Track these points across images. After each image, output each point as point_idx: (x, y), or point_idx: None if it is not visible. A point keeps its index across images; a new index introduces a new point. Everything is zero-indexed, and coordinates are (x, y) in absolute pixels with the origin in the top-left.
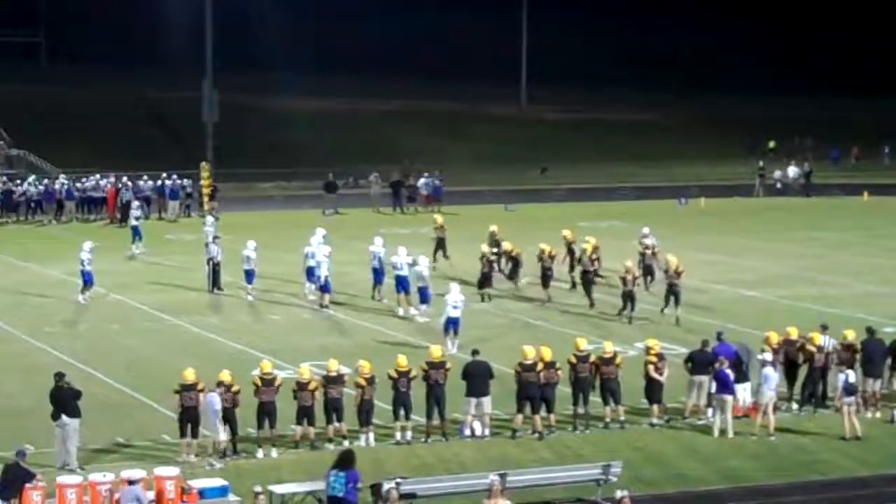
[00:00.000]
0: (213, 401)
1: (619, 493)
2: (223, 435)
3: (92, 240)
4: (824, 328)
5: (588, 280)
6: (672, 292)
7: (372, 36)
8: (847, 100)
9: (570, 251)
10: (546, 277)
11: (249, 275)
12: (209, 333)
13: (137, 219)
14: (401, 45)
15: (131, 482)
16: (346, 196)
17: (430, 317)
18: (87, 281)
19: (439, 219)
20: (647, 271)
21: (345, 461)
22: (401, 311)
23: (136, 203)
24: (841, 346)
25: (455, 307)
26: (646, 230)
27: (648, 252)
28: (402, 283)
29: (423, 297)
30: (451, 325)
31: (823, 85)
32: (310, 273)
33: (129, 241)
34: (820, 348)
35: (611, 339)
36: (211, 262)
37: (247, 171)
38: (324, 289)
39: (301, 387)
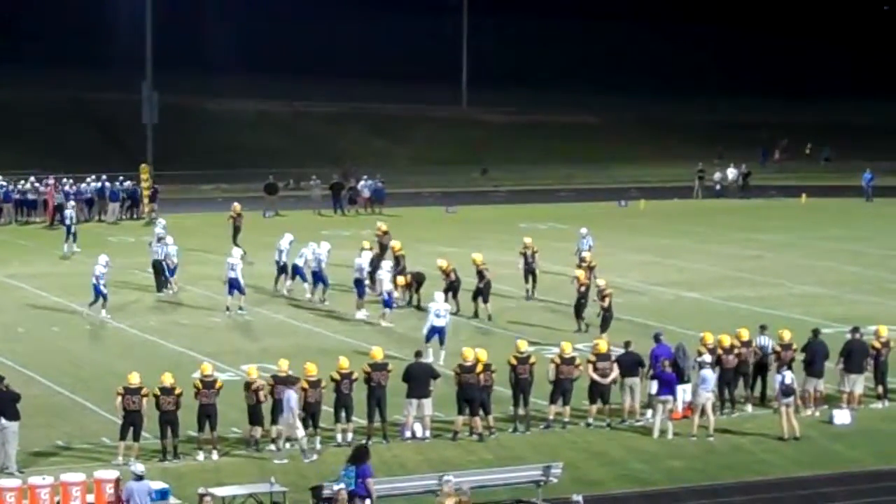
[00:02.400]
0: (290, 398)
1: (575, 497)
2: (300, 431)
3: (31, 241)
4: (763, 329)
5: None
6: (603, 318)
7: (313, 38)
8: (783, 102)
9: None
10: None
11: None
12: (150, 336)
13: (71, 219)
14: (343, 47)
15: (139, 477)
16: (287, 198)
17: (393, 321)
18: (100, 294)
19: (237, 207)
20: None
21: (358, 456)
22: (359, 315)
23: (70, 204)
24: (781, 346)
25: (438, 316)
26: (584, 230)
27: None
28: (359, 287)
29: (387, 302)
30: (435, 333)
31: (762, 88)
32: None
33: (62, 242)
34: (727, 350)
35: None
36: (159, 263)
37: (187, 173)
38: (239, 290)
39: (247, 386)
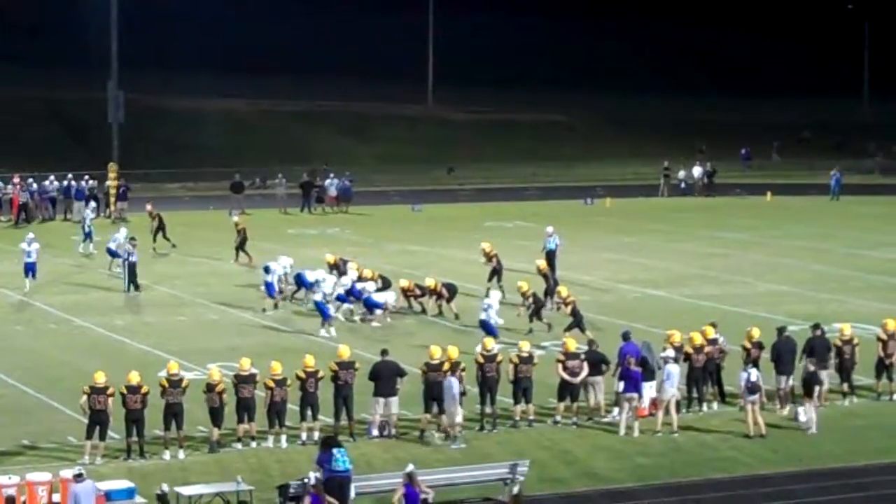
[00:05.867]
0: (452, 384)
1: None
2: (460, 418)
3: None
4: (713, 326)
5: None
6: (576, 324)
7: (280, 36)
8: (754, 101)
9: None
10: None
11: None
12: (115, 335)
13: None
14: (309, 45)
15: (79, 476)
16: (253, 197)
17: (381, 321)
18: (326, 315)
19: (150, 207)
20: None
21: (337, 441)
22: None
23: (92, 205)
24: (750, 344)
25: (484, 309)
26: (549, 229)
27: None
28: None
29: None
30: (481, 327)
31: (729, 86)
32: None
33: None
34: (697, 349)
35: (528, 339)
36: (126, 263)
37: (152, 172)
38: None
39: (210, 388)
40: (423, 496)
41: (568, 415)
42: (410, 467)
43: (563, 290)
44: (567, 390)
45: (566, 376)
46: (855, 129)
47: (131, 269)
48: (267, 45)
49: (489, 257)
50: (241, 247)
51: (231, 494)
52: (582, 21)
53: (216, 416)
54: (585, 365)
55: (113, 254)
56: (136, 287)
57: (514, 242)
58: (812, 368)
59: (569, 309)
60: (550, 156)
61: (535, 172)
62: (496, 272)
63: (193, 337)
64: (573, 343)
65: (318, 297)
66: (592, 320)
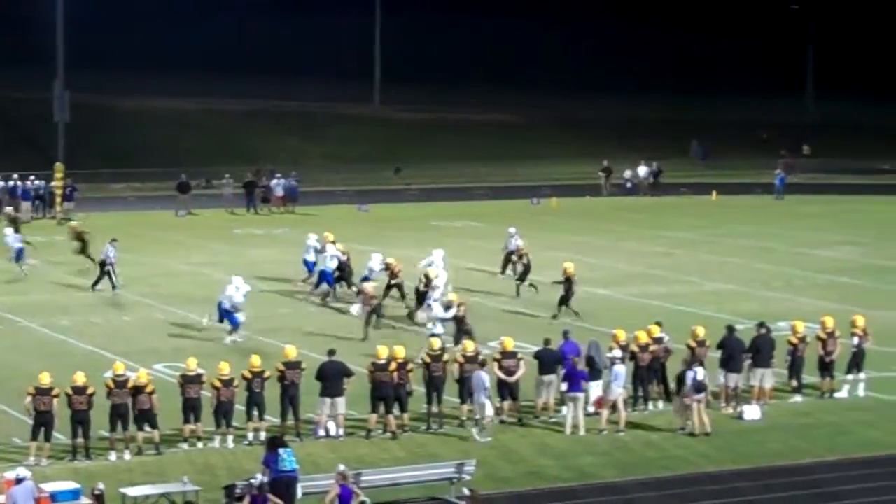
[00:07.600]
0: (483, 379)
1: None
2: (489, 410)
3: None
4: (659, 325)
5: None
6: (464, 332)
7: (226, 35)
8: (702, 99)
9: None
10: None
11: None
12: (61, 335)
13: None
14: (255, 45)
15: (20, 480)
16: (199, 196)
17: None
18: (234, 322)
19: (75, 223)
20: (526, 270)
21: (283, 441)
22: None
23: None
24: (695, 342)
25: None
26: (512, 229)
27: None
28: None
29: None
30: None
31: (678, 84)
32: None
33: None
34: (642, 347)
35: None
36: (104, 264)
37: (98, 172)
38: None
39: (137, 391)
40: (360, 499)
41: (512, 413)
42: (342, 467)
43: (454, 296)
44: (505, 389)
45: (502, 375)
46: (799, 128)
47: (110, 271)
48: (213, 44)
49: (519, 255)
50: (83, 251)
51: (177, 495)
52: (529, 20)
53: (147, 418)
54: (522, 364)
55: (19, 253)
56: (114, 286)
57: (462, 242)
58: (683, 367)
59: (456, 314)
60: (498, 155)
61: (483, 172)
62: (526, 270)
63: (139, 337)
64: (510, 342)
65: (225, 304)
66: (540, 319)
